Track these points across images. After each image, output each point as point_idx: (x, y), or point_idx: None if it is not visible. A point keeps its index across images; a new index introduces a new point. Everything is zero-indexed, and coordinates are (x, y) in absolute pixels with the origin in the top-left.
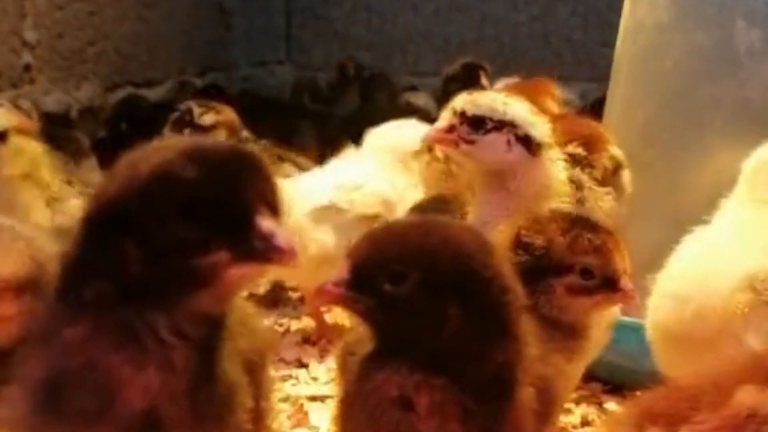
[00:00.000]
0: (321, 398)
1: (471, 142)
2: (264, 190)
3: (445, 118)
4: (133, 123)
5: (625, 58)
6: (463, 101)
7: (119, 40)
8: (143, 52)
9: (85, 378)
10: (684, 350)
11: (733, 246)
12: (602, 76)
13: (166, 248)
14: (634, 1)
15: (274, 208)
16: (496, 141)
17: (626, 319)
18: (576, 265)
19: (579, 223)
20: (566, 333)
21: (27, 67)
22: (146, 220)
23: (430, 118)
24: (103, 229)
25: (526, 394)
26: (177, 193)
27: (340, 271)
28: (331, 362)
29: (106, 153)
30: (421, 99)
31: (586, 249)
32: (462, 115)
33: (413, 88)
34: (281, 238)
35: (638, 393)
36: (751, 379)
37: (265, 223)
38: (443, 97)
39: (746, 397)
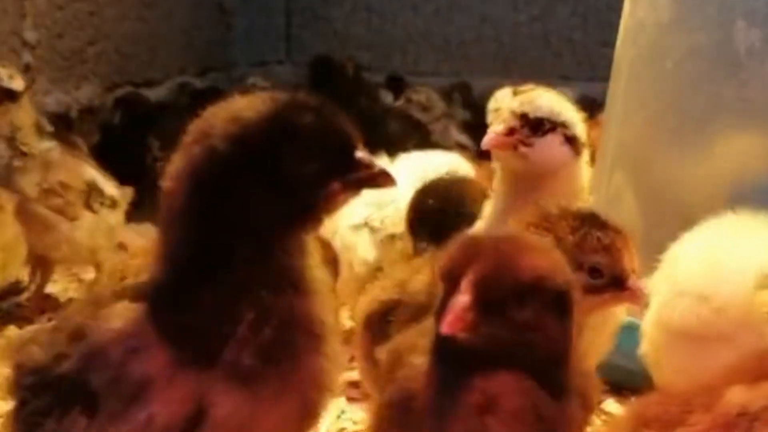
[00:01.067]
0: None
1: (529, 145)
2: (353, 128)
3: (503, 120)
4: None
5: (625, 58)
6: (522, 103)
7: (119, 40)
8: (143, 52)
9: None
10: (695, 348)
11: (749, 241)
12: (602, 76)
13: (291, 185)
14: (634, 1)
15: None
16: (552, 142)
17: (626, 319)
18: (585, 263)
19: (588, 221)
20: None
21: (27, 67)
22: (271, 163)
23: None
24: (222, 182)
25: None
26: (297, 135)
27: (462, 292)
28: None
29: (106, 156)
30: (422, 95)
31: (595, 248)
32: (523, 117)
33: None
34: (379, 165)
35: (638, 395)
36: (740, 380)
37: (364, 155)
38: None
39: (736, 396)
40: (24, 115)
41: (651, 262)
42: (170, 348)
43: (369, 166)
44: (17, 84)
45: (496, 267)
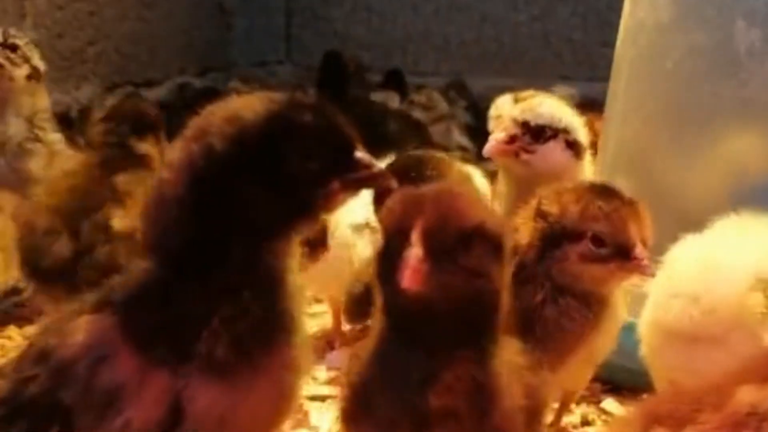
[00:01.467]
0: (321, 398)
1: (531, 152)
2: (352, 129)
3: (504, 128)
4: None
5: (625, 58)
6: (522, 110)
7: (119, 40)
8: (143, 52)
9: None
10: (688, 349)
11: (745, 243)
12: (602, 76)
13: (291, 184)
14: (634, 1)
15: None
16: (554, 149)
17: (626, 319)
18: (587, 231)
19: (594, 191)
20: (584, 302)
21: None
22: (271, 162)
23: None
24: (220, 180)
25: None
26: (298, 134)
27: (413, 245)
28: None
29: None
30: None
31: (596, 216)
32: (524, 125)
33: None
34: (378, 165)
35: (641, 394)
36: (750, 379)
37: (363, 155)
38: None
39: (746, 395)
40: (43, 99)
41: (651, 262)
42: (138, 351)
43: (368, 166)
44: (41, 64)
45: (441, 216)
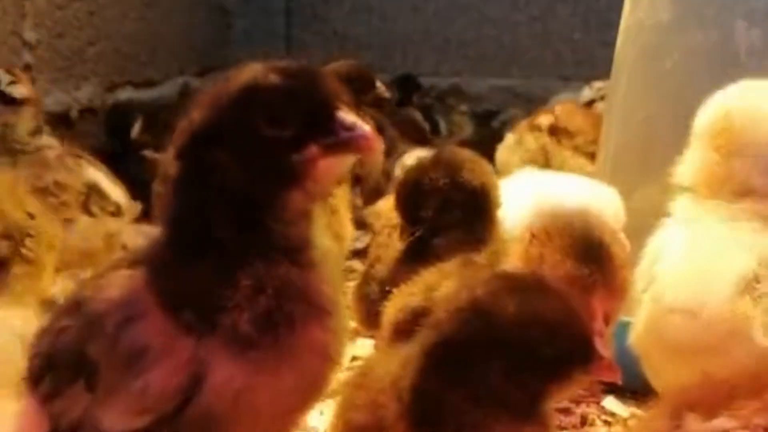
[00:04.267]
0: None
1: None
2: (339, 89)
3: None
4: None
5: (625, 58)
6: None
7: (119, 40)
8: (143, 52)
9: None
10: (690, 362)
11: (729, 247)
12: (602, 76)
13: (263, 151)
14: (634, 1)
15: (349, 105)
16: None
17: (628, 318)
18: None
19: None
20: None
21: (27, 67)
22: (241, 129)
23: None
24: (199, 152)
25: None
26: (265, 98)
27: None
28: None
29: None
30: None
31: None
32: None
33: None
34: (362, 127)
35: (642, 394)
36: None
37: (346, 116)
38: None
39: None
40: (22, 117)
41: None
42: (168, 315)
43: (350, 128)
44: (19, 91)
45: None
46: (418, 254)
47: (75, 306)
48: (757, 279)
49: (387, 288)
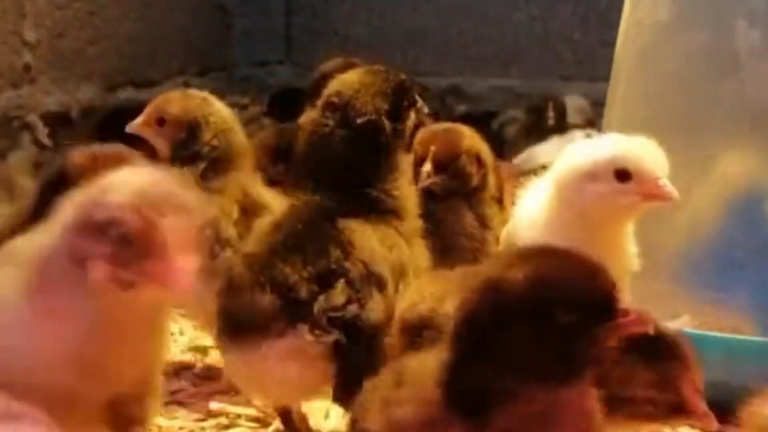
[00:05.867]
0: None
1: None
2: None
3: None
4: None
5: (625, 58)
6: None
7: (119, 40)
8: (143, 52)
9: None
10: None
11: None
12: (602, 76)
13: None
14: (634, 1)
15: None
16: None
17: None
18: None
19: None
20: None
21: (27, 67)
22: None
23: None
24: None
25: None
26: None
27: None
28: None
29: None
30: None
31: None
32: None
33: None
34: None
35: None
36: None
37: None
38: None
39: None
40: None
41: (652, 262)
42: None
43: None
44: None
45: None
46: None
47: None
48: None
49: None
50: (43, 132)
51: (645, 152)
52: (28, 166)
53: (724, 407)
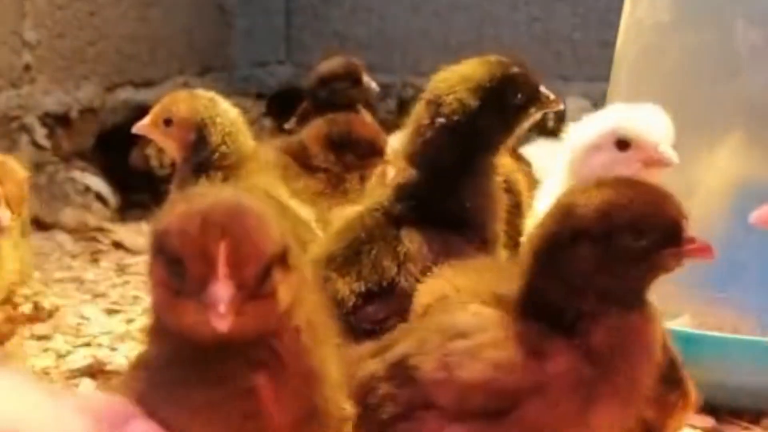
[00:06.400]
0: None
1: None
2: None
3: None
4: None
5: (625, 58)
6: None
7: (119, 40)
8: (143, 52)
9: None
10: None
11: None
12: (602, 76)
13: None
14: (634, 1)
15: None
16: None
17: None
18: None
19: None
20: None
21: (27, 67)
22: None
23: None
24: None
25: None
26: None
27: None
28: None
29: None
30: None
31: None
32: None
33: None
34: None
35: None
36: None
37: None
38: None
39: None
40: None
41: None
42: None
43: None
44: None
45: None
46: None
47: None
48: None
49: None
50: (40, 133)
51: (645, 120)
52: (28, 167)
53: (724, 407)
